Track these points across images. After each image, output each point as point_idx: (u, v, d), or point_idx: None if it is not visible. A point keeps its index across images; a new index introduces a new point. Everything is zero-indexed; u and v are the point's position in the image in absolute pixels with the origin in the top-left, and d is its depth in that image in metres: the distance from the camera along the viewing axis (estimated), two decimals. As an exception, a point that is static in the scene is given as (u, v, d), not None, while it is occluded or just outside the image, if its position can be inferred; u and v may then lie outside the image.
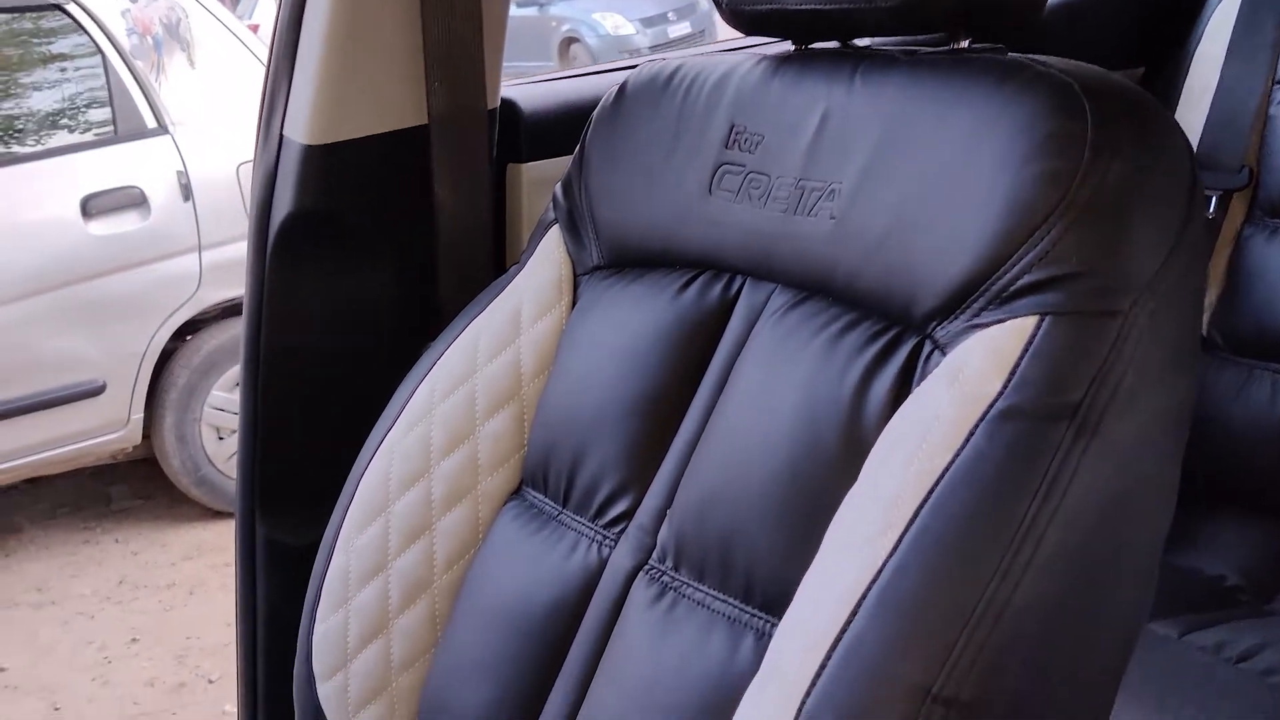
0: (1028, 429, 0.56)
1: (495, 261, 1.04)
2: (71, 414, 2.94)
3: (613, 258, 0.87)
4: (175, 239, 3.04)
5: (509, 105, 1.07)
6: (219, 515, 3.18)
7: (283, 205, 0.96)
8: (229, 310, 3.18)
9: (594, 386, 0.83)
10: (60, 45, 3.13)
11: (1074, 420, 0.56)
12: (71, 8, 2.97)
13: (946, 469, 0.56)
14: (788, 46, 0.80)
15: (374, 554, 0.88)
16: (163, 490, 3.27)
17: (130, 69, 3.02)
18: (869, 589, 0.55)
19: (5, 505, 3.32)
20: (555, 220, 0.91)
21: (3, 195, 2.88)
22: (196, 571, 2.93)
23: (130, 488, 3.39)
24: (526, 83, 1.12)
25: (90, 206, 2.91)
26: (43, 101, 3.11)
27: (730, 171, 0.78)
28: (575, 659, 0.77)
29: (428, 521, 0.88)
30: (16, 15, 3.06)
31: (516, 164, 1.07)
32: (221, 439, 3.18)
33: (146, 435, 3.14)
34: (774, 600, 0.65)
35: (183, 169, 3.04)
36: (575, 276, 0.90)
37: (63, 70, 3.14)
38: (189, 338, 3.15)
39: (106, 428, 3.03)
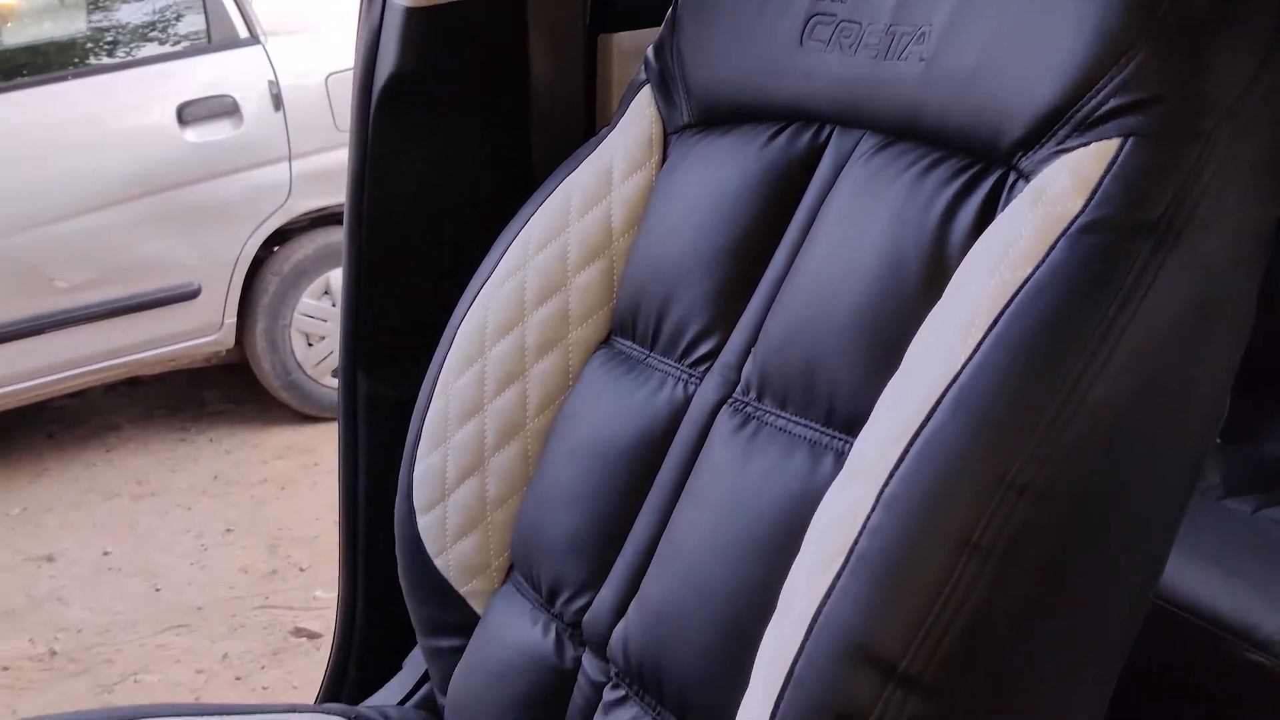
0: (1108, 241, 0.58)
1: (586, 128, 1.07)
2: (169, 316, 3.07)
3: (703, 115, 0.90)
4: (266, 148, 3.13)
5: (602, -25, 1.09)
6: (308, 419, 3.30)
7: (385, 67, 1.00)
8: (318, 220, 3.27)
9: (683, 234, 0.86)
10: (154, -44, 3.21)
11: (1154, 234, 0.58)
12: (167, -83, 3.04)
13: (1027, 279, 0.59)
14: None
15: (471, 396, 0.94)
16: (254, 395, 3.40)
17: (223, -21, 3.09)
18: (948, 389, 0.58)
19: (106, 405, 3.48)
20: (646, 81, 0.94)
21: (106, 101, 2.98)
22: (287, 470, 3.05)
23: (223, 392, 3.53)
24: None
25: (185, 114, 3.00)
26: (137, 12, 3.20)
27: (822, 21, 0.80)
28: (661, 485, 0.82)
29: (521, 368, 0.93)
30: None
31: (607, 34, 1.10)
32: (310, 345, 3.29)
33: (239, 341, 3.25)
34: (854, 421, 0.69)
35: (274, 79, 3.11)
36: (665, 135, 0.93)
37: (157, -19, 3.23)
38: (276, 249, 3.25)
39: (201, 331, 3.15)
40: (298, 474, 3.03)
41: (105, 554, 2.66)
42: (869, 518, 0.59)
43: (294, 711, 0.96)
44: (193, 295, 3.09)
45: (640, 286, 0.89)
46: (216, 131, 3.05)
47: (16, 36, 3.18)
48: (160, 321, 3.06)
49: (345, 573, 1.10)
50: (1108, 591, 0.62)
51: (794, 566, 0.64)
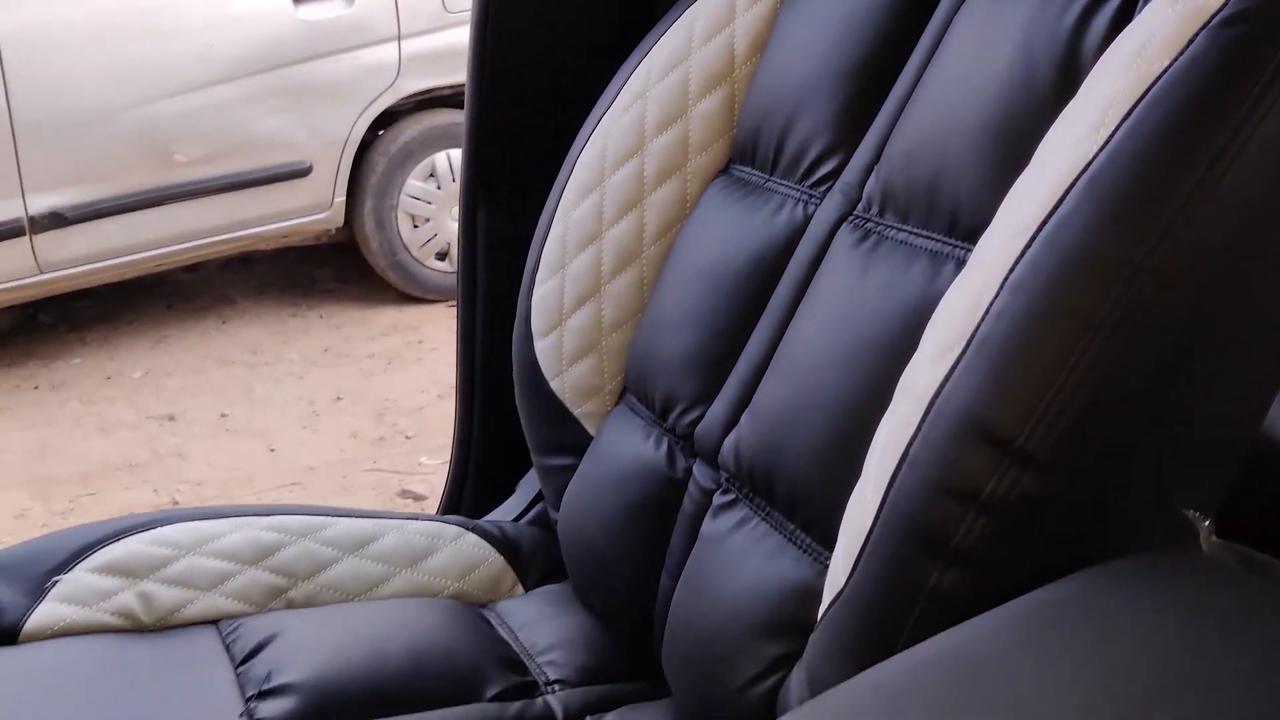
0: (1251, 32, 0.57)
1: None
2: (282, 192, 3.15)
3: None
4: (376, 28, 3.16)
5: None
6: (413, 299, 3.38)
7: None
8: (424, 102, 3.31)
9: (808, 57, 0.86)
10: None
11: None
12: None
13: (1164, 71, 0.58)
14: None
15: (589, 224, 0.96)
16: (361, 275, 3.49)
17: None
18: (1078, 178, 0.59)
19: (221, 280, 3.61)
20: None
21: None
22: (393, 346, 3.14)
23: (332, 272, 3.63)
24: None
25: (299, -9, 3.04)
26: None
27: None
28: (777, 303, 0.83)
29: (639, 195, 0.95)
30: None
31: None
32: (416, 227, 3.35)
33: (347, 221, 3.33)
34: (976, 230, 0.69)
35: (385, -44, 3.13)
36: None
37: None
38: (383, 131, 3.30)
39: (312, 208, 3.23)
40: (403, 350, 3.12)
41: (223, 416, 2.78)
42: (992, 303, 0.60)
43: (416, 519, 1.02)
44: (304, 173, 3.16)
45: (762, 112, 0.90)
46: (329, 10, 3.09)
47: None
48: (273, 198, 3.14)
49: (462, 398, 1.15)
50: (1223, 389, 0.62)
51: (911, 360, 0.66)
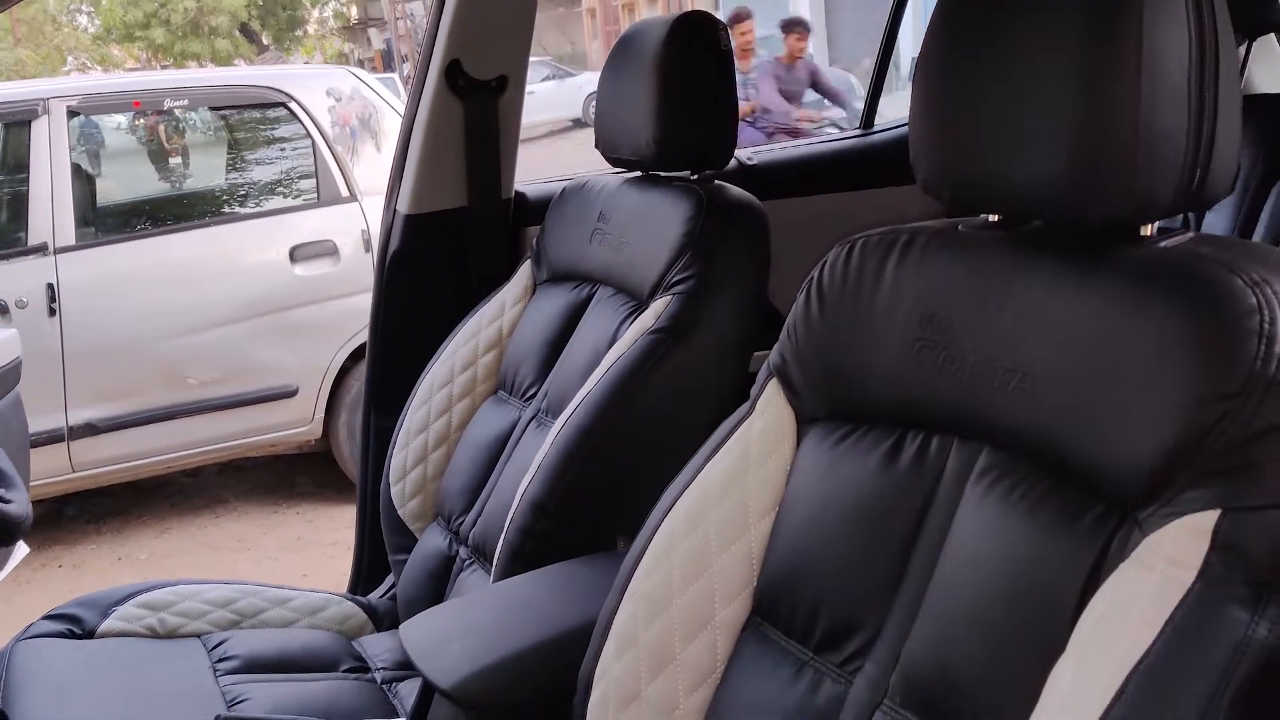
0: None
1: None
2: (272, 410, 4.04)
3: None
4: (357, 281, 4.12)
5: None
6: (375, 499, 4.21)
7: (394, 244, 1.93)
8: (393, 339, 4.24)
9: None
10: (279, 131, 4.31)
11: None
12: (292, 105, 4.13)
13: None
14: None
15: (419, 421, 1.82)
16: (334, 481, 4.33)
17: (332, 151, 4.15)
18: None
19: (215, 484, 4.46)
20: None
21: (234, 243, 4.03)
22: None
23: (311, 478, 4.48)
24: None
25: (296, 254, 4.03)
26: (265, 173, 4.29)
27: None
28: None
29: (448, 405, 1.82)
30: (248, 109, 4.27)
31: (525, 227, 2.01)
32: (381, 439, 4.22)
33: (325, 433, 4.21)
34: None
35: (366, 228, 4.13)
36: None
37: (281, 150, 4.31)
38: (356, 362, 4.21)
39: (297, 423, 4.11)
40: (363, 540, 3.93)
41: (210, 588, 3.57)
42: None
43: (318, 592, 1.83)
44: (292, 394, 4.06)
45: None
46: (319, 267, 4.06)
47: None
48: (266, 414, 4.03)
49: (358, 524, 1.99)
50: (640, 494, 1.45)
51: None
